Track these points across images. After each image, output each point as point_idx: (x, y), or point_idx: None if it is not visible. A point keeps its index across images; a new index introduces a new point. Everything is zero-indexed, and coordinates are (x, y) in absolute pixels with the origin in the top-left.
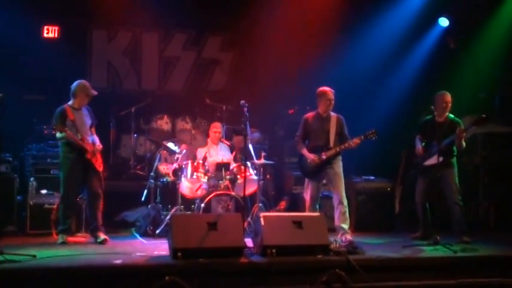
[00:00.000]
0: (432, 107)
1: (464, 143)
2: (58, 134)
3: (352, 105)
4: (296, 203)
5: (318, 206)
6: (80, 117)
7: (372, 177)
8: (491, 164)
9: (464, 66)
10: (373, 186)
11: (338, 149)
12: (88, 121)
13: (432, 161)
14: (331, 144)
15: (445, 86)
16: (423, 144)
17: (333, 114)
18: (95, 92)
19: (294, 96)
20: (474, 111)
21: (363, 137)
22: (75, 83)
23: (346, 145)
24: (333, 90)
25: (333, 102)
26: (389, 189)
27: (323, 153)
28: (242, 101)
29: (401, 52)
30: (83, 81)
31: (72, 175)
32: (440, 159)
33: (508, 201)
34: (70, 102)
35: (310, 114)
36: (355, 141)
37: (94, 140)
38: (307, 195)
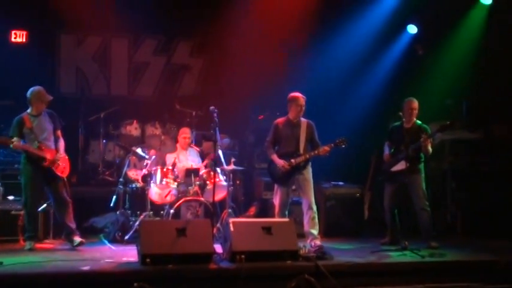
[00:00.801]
0: (400, 114)
1: (430, 149)
2: (11, 145)
3: (322, 111)
4: (266, 209)
5: (287, 212)
6: (40, 124)
7: (341, 183)
8: (458, 170)
9: (432, 73)
10: (342, 191)
11: (308, 156)
12: (49, 126)
13: (399, 166)
14: (301, 150)
15: (413, 93)
16: (392, 150)
17: (303, 120)
18: (50, 97)
19: (264, 101)
20: (441, 118)
21: (332, 145)
22: (29, 91)
23: (316, 152)
24: (304, 97)
25: (303, 108)
26: (358, 194)
27: (292, 160)
28: (212, 107)
29: (370, 59)
30: (37, 88)
31: (32, 182)
32: (408, 165)
33: (475, 207)
34: (29, 110)
35: (280, 120)
36: (324, 149)
37: (58, 145)
38: (276, 201)
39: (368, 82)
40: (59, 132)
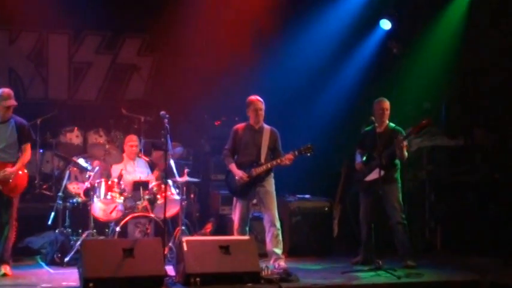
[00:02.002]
0: (373, 118)
1: (406, 153)
2: None
3: (286, 116)
4: (223, 226)
5: (247, 229)
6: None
7: (308, 196)
8: (437, 180)
9: (408, 74)
10: (309, 205)
11: (269, 165)
12: (10, 138)
13: (373, 175)
14: (262, 159)
15: (387, 95)
16: (364, 158)
17: (266, 126)
18: (12, 103)
19: (221, 106)
20: (418, 122)
21: (296, 153)
22: None
23: (278, 161)
24: (261, 99)
25: (261, 112)
26: (327, 208)
27: (253, 170)
28: (162, 112)
29: (339, 57)
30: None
31: None
32: (382, 173)
33: (456, 221)
34: None
35: (240, 126)
36: (288, 157)
37: (19, 160)
38: (235, 217)
39: (337, 83)
40: (25, 146)
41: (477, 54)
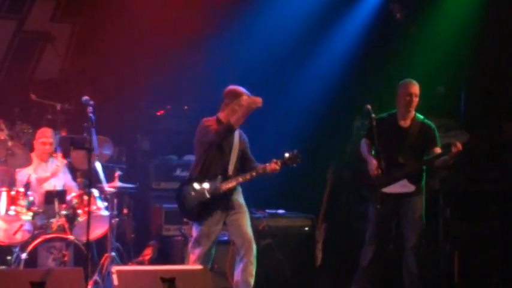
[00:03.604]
0: (368, 107)
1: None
2: None
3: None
4: (167, 251)
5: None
6: None
7: (282, 211)
8: (454, 190)
9: (416, 48)
10: (284, 224)
11: (241, 179)
12: None
13: (396, 188)
14: (230, 171)
15: (387, 76)
16: (373, 152)
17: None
18: None
19: (165, 90)
20: (429, 112)
21: (280, 163)
22: None
23: (257, 172)
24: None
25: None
26: (307, 228)
27: (222, 185)
28: (85, 97)
29: (324, 28)
30: None
31: None
32: (411, 187)
33: (478, 244)
34: None
35: (211, 120)
36: (271, 167)
37: None
38: (197, 251)
39: (320, 62)
40: None
41: (508, 23)
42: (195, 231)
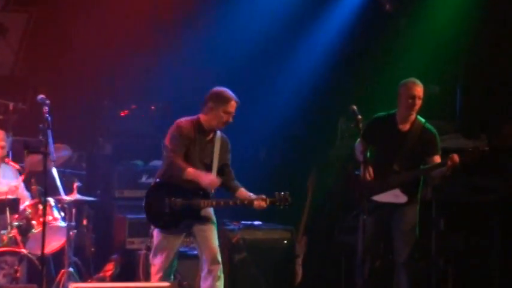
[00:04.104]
0: (354, 107)
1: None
2: None
3: None
4: (131, 266)
5: (172, 276)
6: None
7: (258, 223)
8: (448, 200)
9: (407, 43)
10: (260, 237)
11: (222, 204)
12: None
13: (389, 197)
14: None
15: (375, 74)
16: (368, 154)
17: (218, 132)
18: None
19: (130, 88)
20: (422, 114)
21: (268, 201)
22: None
23: (238, 203)
24: (237, 100)
25: (231, 117)
26: (286, 242)
27: (203, 202)
28: (41, 96)
29: (305, 20)
30: None
31: None
32: (404, 198)
33: (474, 258)
34: None
35: (189, 123)
36: (259, 204)
37: None
38: (158, 259)
39: (302, 59)
40: None
41: (508, 16)
42: (156, 239)
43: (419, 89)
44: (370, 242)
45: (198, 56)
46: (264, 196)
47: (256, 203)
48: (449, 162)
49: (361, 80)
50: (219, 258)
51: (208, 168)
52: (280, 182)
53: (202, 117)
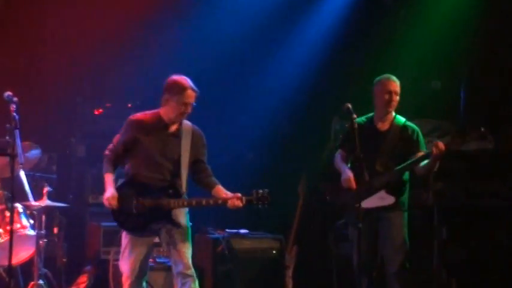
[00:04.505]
0: (348, 106)
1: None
2: None
3: (208, 107)
4: (106, 278)
5: (145, 283)
6: None
7: (244, 231)
8: (451, 206)
9: (407, 37)
10: (246, 246)
11: (194, 204)
12: None
13: (375, 201)
14: (183, 183)
15: (374, 70)
16: (349, 164)
17: (186, 124)
18: None
19: (105, 84)
20: (422, 113)
21: (244, 200)
22: None
23: (211, 202)
24: (194, 88)
25: (190, 109)
26: (275, 252)
27: (173, 202)
28: (8, 93)
29: (298, 12)
30: None
31: None
32: (391, 200)
33: (478, 269)
34: None
35: (144, 117)
36: (233, 204)
37: None
38: (125, 265)
39: (292, 53)
40: None
41: None
42: (123, 242)
43: (394, 84)
44: (365, 252)
45: (176, 49)
46: (239, 194)
47: (230, 202)
48: (434, 150)
49: (356, 76)
50: (191, 268)
51: (176, 164)
52: (268, 188)
53: (161, 110)
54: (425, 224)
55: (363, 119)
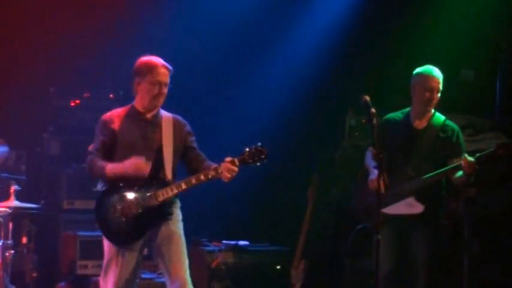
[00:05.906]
0: (366, 98)
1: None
2: None
3: (202, 103)
4: None
5: None
6: None
7: (244, 243)
8: (485, 217)
9: (435, 19)
10: (247, 261)
11: (185, 186)
12: None
13: (400, 208)
14: (168, 173)
15: (396, 59)
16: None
17: (165, 114)
18: None
19: (82, 72)
20: (452, 107)
21: (237, 161)
22: None
23: (202, 178)
24: (167, 65)
25: (165, 89)
26: (279, 267)
27: (159, 193)
28: None
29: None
30: None
31: None
32: (421, 208)
33: None
34: None
35: (116, 114)
36: (226, 168)
37: None
38: (110, 280)
39: (301, 40)
40: None
41: None
42: (107, 254)
43: (437, 80)
44: (386, 266)
45: (164, 33)
46: (229, 158)
47: (223, 168)
48: (463, 163)
49: (378, 65)
50: (190, 284)
51: (159, 153)
52: (273, 193)
53: (135, 101)
54: (454, 237)
55: (398, 114)
